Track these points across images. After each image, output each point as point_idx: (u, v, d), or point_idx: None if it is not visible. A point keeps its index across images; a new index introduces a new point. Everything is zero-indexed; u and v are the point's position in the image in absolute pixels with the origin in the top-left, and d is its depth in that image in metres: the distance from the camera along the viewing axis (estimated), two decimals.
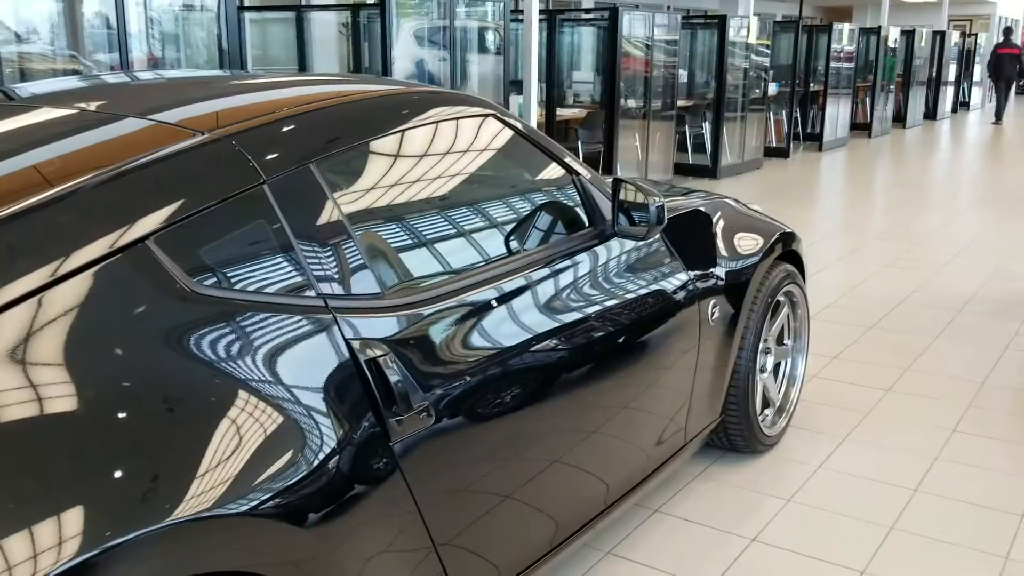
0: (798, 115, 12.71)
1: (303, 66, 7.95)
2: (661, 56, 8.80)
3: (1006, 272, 5.76)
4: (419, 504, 1.63)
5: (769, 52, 10.99)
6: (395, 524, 1.58)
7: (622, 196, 2.23)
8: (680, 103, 9.65)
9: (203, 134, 1.58)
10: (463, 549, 1.76)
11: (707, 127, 10.16)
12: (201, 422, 1.31)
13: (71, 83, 2.04)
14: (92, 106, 1.76)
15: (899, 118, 15.85)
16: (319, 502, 1.42)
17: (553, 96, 8.49)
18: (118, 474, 1.17)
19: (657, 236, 2.49)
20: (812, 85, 13.13)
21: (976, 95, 21.09)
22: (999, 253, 6.32)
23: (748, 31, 10.13)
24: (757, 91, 10.64)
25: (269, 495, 1.33)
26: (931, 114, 17.48)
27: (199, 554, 1.23)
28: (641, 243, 2.37)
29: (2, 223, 1.29)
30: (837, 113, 12.82)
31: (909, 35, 15.24)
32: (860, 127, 14.54)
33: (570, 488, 2.09)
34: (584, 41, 10.82)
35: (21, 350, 1.19)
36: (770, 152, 11.59)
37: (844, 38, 12.71)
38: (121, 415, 1.22)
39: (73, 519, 1.10)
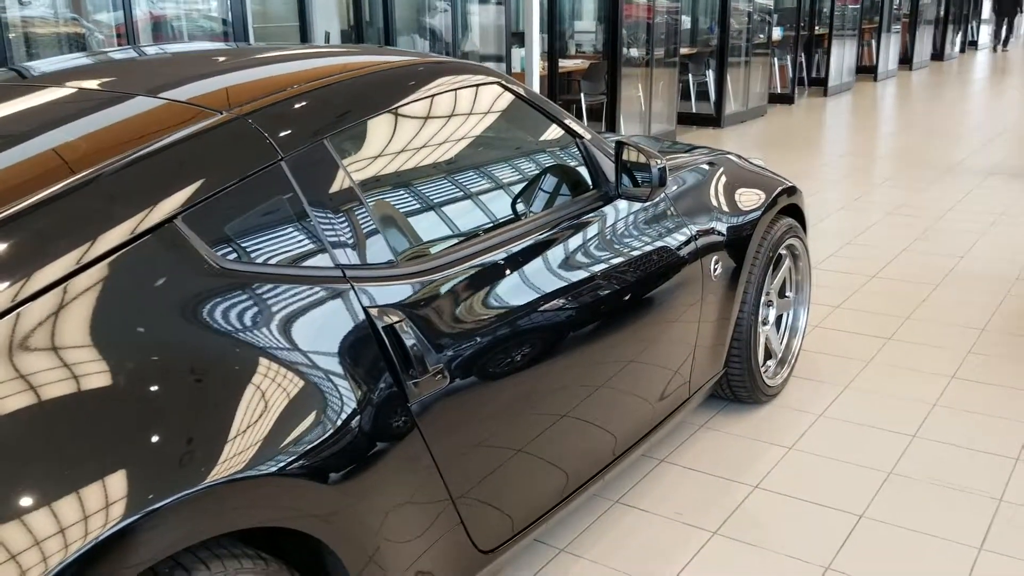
0: (802, 60, 12.61)
1: (303, 22, 7.90)
2: (663, 2, 8.72)
3: (1009, 219, 5.80)
4: (436, 460, 1.72)
5: None
6: (414, 479, 1.67)
7: (625, 157, 2.28)
8: (682, 51, 9.59)
9: (220, 113, 1.64)
10: (479, 501, 1.86)
11: (710, 75, 10.10)
12: (231, 390, 1.39)
13: (84, 61, 2.09)
14: (110, 86, 1.81)
15: (905, 59, 15.69)
16: (344, 461, 1.50)
17: (555, 47, 8.43)
18: (157, 442, 1.26)
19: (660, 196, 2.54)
20: (816, 28, 13.00)
21: (984, 33, 20.86)
22: (1002, 200, 6.34)
23: None
24: (761, 36, 10.56)
25: (297, 456, 1.42)
26: (938, 54, 17.31)
27: (234, 513, 1.32)
28: (646, 203, 2.43)
29: (36, 208, 1.36)
30: (842, 56, 12.71)
31: None
32: (865, 70, 14.41)
33: (580, 441, 2.18)
34: None
35: (63, 329, 1.27)
36: (774, 99, 11.53)
37: None
38: (158, 387, 1.30)
39: (118, 485, 1.18)
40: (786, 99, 11.70)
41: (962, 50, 19.18)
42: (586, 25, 10.39)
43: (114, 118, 1.64)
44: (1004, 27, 19.45)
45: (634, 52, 8.51)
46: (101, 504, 1.17)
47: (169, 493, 1.23)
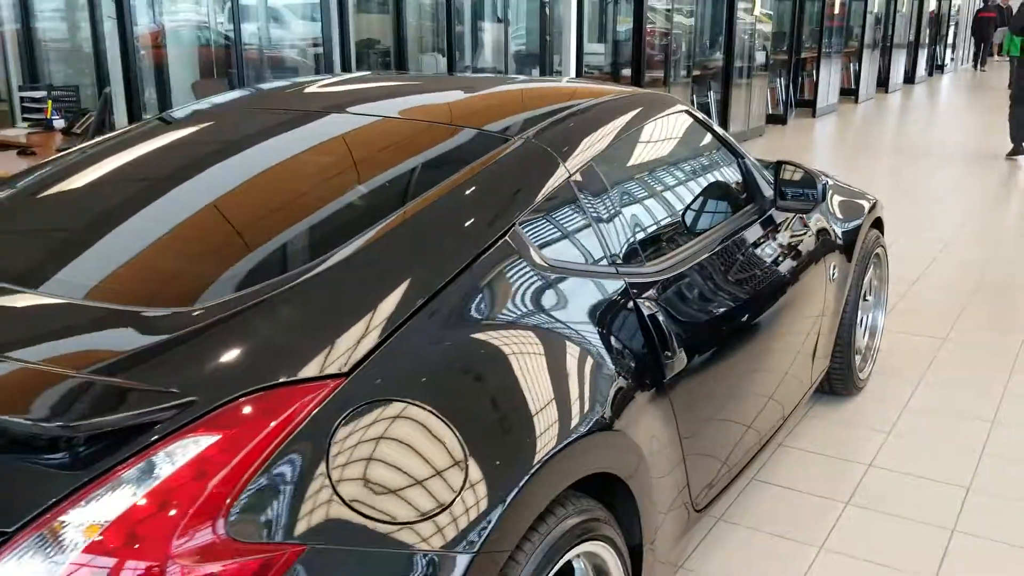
0: (790, 83, 13.14)
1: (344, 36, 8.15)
2: (677, 26, 9.15)
3: (1017, 233, 6.27)
4: (679, 427, 2.04)
5: (771, 20, 11.40)
6: (667, 442, 1.99)
7: (783, 176, 2.63)
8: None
9: (511, 138, 1.95)
10: (696, 466, 2.18)
11: (711, 96, 10.55)
12: (565, 363, 1.69)
13: (352, 87, 2.40)
14: (407, 115, 2.12)
15: (881, 83, 16.36)
16: (634, 421, 1.81)
17: (580, 66, 8.79)
18: (546, 403, 1.56)
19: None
20: (803, 52, 13.57)
21: (948, 57, 21.79)
22: (1018, 209, 6.83)
23: (754, 1, 10.53)
24: (760, 59, 11.06)
25: (614, 415, 1.73)
26: (910, 78, 18.06)
27: (589, 459, 1.63)
28: (792, 214, 2.78)
29: (415, 221, 1.66)
30: (828, 79, 13.28)
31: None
32: (846, 92, 15.02)
33: (753, 418, 2.51)
34: (590, 11, 11.11)
35: (462, 314, 1.57)
36: (768, 119, 12.02)
37: (836, 4, 13.14)
38: (529, 362, 1.61)
39: (549, 428, 1.50)
40: (779, 120, 12.20)
41: (930, 73, 19.99)
42: (594, 47, 10.79)
43: (436, 144, 1.95)
44: (981, 49, 20.76)
45: (648, 74, 8.90)
46: (530, 442, 1.48)
47: (559, 442, 1.54)
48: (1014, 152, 9.09)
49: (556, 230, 1.86)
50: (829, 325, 3.13)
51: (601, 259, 1.94)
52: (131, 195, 1.93)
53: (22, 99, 5.98)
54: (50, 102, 5.73)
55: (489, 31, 8.38)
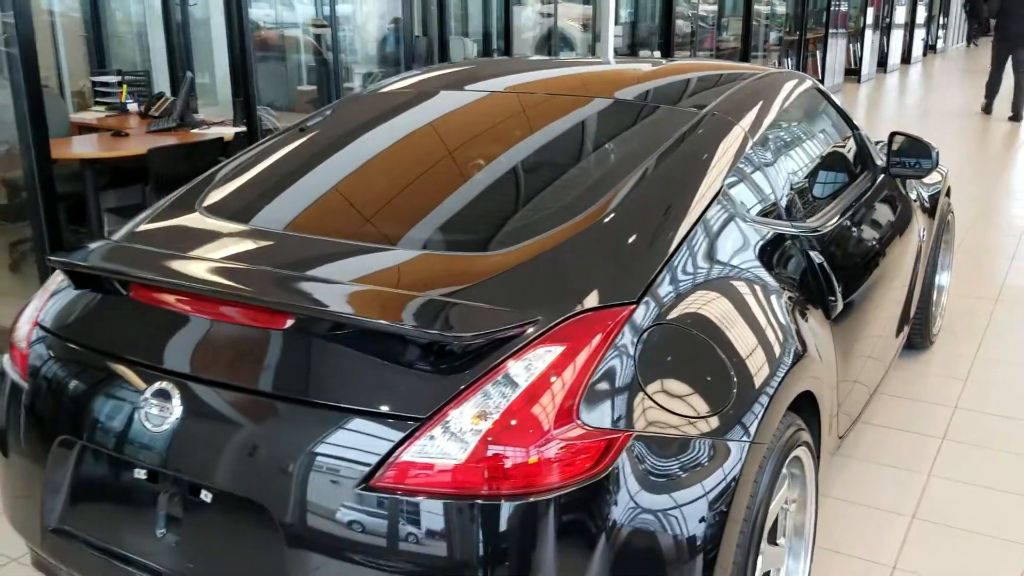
0: (799, 62, 13.45)
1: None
2: (702, 11, 9.44)
3: None
4: (837, 360, 2.34)
5: (783, 3, 11.70)
6: (832, 370, 2.28)
7: (900, 146, 2.93)
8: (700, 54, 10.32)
9: (699, 111, 2.23)
10: (840, 396, 2.48)
11: None
12: (780, 300, 1.99)
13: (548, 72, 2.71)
14: (611, 95, 2.41)
15: (881, 63, 16.71)
16: (819, 350, 2.11)
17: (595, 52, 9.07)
18: (767, 337, 1.87)
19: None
20: (808, 34, 13.88)
21: (942, 36, 22.24)
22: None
23: None
24: (773, 39, 11.37)
25: (810, 342, 2.03)
26: (906, 58, 18.43)
27: (798, 381, 1.94)
28: (895, 180, 3.08)
29: (656, 184, 1.95)
30: (835, 59, 13.61)
31: None
32: (848, 72, 15.35)
33: (876, 359, 2.81)
34: None
35: (700, 258, 1.86)
36: None
37: None
38: (751, 301, 1.91)
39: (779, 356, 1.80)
40: None
41: (924, 53, 20.39)
42: (615, 30, 11.07)
43: (645, 118, 2.26)
44: (974, 28, 21.18)
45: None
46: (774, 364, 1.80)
47: (785, 365, 1.85)
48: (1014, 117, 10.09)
49: (747, 188, 2.15)
50: (918, 282, 3.44)
51: (780, 214, 2.23)
52: (430, 162, 2.20)
53: (93, 84, 6.19)
54: (124, 87, 5.95)
55: (536, 16, 8.63)
